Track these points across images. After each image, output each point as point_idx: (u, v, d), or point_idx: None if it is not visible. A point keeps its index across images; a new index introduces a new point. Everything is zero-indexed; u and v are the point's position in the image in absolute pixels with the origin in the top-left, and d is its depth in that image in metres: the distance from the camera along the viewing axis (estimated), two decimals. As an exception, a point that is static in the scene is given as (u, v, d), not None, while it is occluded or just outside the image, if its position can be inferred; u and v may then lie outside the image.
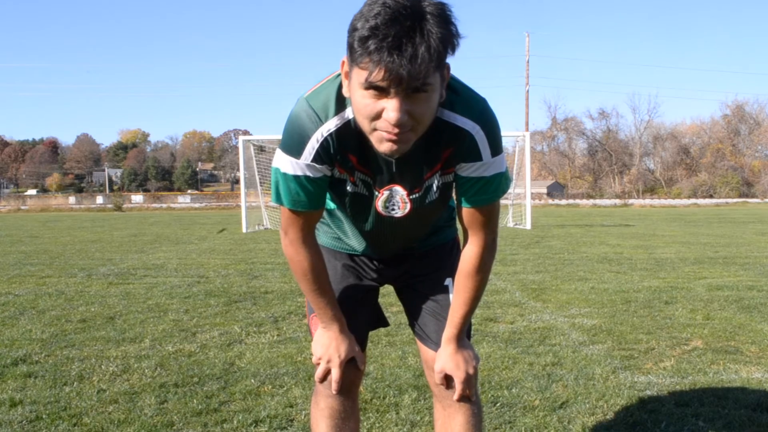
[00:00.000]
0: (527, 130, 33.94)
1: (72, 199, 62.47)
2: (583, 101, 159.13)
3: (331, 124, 1.44)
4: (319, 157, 1.46)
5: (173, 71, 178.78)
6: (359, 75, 1.26)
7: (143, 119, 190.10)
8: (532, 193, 19.98)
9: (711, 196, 60.37)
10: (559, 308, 5.29)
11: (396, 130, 1.29)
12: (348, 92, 1.36)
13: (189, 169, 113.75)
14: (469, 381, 1.70)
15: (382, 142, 1.33)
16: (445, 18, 1.24)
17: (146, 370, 3.53)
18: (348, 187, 1.55)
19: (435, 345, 1.76)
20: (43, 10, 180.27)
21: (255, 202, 19.42)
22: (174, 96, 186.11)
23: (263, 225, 17.60)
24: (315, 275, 1.64)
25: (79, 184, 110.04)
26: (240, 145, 17.96)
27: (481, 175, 1.49)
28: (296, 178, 1.49)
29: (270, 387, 3.23)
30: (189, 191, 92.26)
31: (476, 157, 1.46)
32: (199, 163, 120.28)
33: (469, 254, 1.62)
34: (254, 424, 2.74)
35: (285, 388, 3.20)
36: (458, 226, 1.74)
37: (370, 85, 1.25)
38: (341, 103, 1.43)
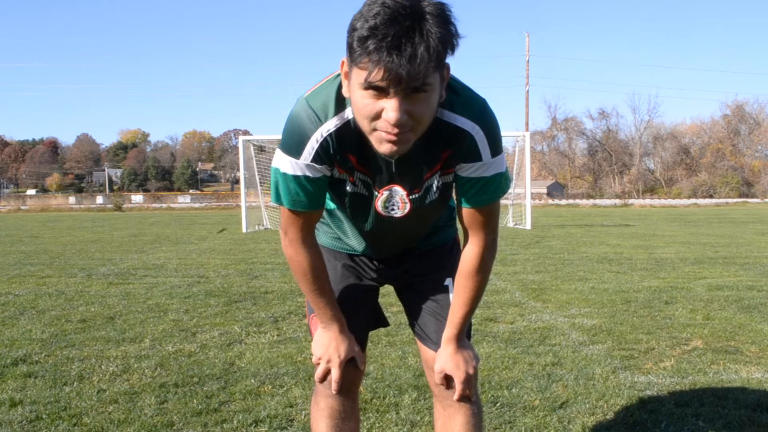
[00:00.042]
0: (527, 130, 33.98)
1: (72, 199, 62.42)
2: (583, 101, 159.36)
3: (331, 125, 1.44)
4: (318, 157, 1.46)
5: (173, 71, 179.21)
6: (359, 75, 1.26)
7: (143, 119, 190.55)
8: (532, 193, 19.97)
9: (711, 196, 60.32)
10: (559, 308, 5.29)
11: (395, 131, 1.29)
12: (347, 92, 1.36)
13: (189, 169, 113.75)
14: (469, 381, 1.70)
15: (381, 142, 1.33)
16: (444, 18, 1.24)
17: (146, 370, 3.53)
18: (348, 187, 1.55)
19: (435, 345, 1.76)
20: (43, 10, 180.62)
21: (255, 202, 19.43)
22: (174, 96, 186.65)
23: (263, 225, 17.60)
24: (315, 275, 1.64)
25: (79, 184, 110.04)
26: (240, 145, 17.97)
27: (481, 175, 1.49)
28: (296, 178, 1.49)
29: (270, 387, 3.23)
30: (189, 191, 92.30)
31: (476, 157, 1.46)
32: (199, 163, 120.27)
33: (470, 254, 1.62)
34: (254, 424, 2.74)
35: (285, 388, 3.21)
36: (458, 226, 1.74)
37: (369, 85, 1.25)
38: (341, 103, 1.43)
